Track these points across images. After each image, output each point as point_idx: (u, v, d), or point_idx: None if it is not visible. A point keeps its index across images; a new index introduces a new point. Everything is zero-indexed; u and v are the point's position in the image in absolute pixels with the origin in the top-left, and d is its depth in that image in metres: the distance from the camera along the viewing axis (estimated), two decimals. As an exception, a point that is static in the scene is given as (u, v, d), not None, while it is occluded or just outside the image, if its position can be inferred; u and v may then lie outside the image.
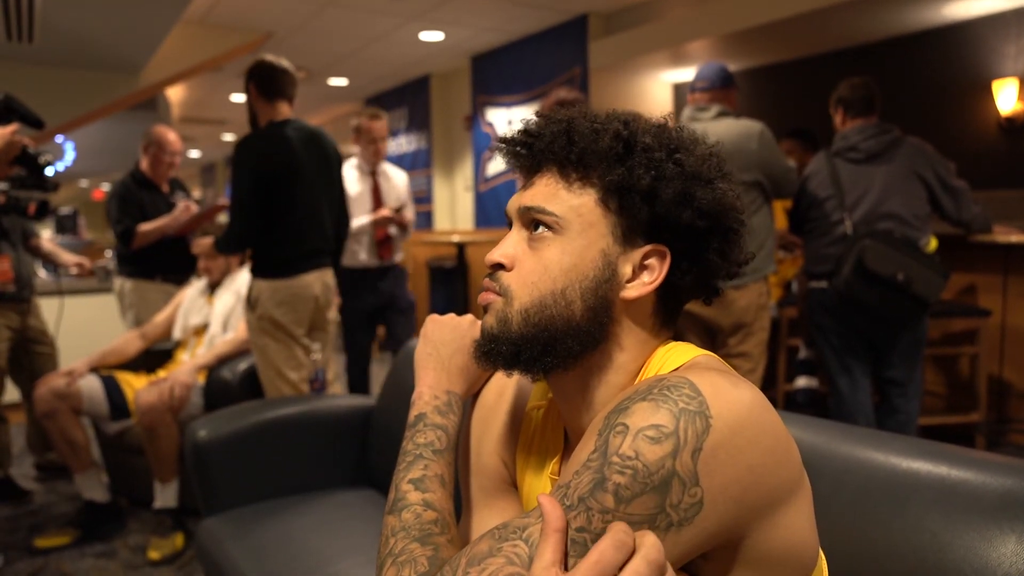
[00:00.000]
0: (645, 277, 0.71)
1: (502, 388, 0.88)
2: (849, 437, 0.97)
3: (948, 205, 2.55)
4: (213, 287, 2.89)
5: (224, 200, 3.00)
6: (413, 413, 0.84)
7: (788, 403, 3.57)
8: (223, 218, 3.12)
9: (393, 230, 3.44)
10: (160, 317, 2.95)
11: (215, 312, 2.81)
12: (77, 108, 4.63)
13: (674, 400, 0.58)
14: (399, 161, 7.04)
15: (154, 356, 2.93)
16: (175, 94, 7.15)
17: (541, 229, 0.71)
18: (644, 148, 0.70)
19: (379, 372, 5.40)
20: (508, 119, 5.85)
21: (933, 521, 0.81)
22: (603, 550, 0.51)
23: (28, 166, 2.15)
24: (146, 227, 3.16)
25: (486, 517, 0.84)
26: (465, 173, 6.70)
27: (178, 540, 2.43)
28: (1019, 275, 3.23)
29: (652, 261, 0.71)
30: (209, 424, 1.86)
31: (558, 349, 0.70)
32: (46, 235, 6.11)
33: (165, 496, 2.49)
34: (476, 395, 0.91)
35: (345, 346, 3.51)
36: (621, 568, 0.51)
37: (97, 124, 5.52)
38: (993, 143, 3.83)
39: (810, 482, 0.67)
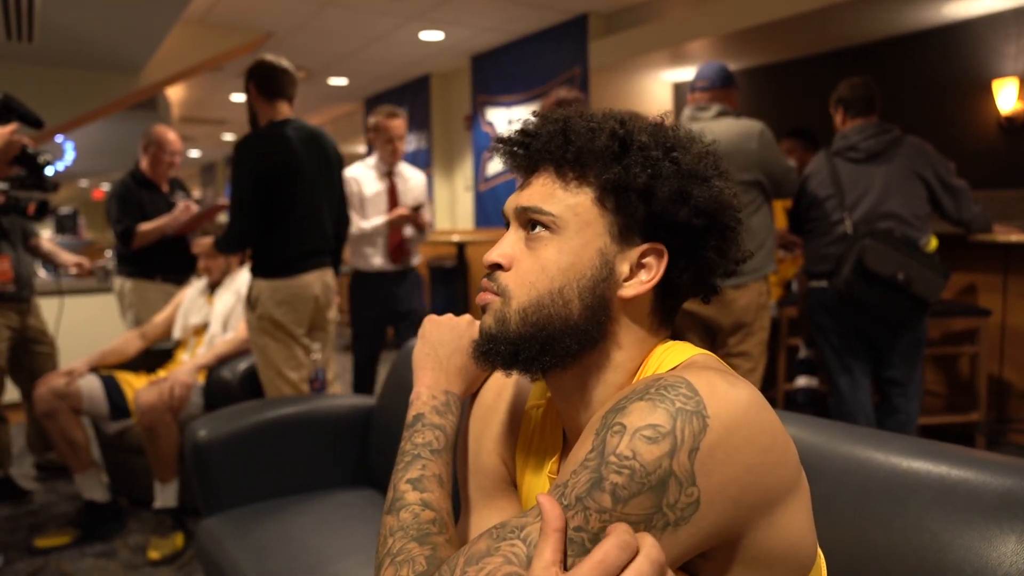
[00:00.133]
0: (643, 276, 0.71)
1: (501, 387, 0.88)
2: (849, 437, 0.97)
3: (948, 205, 2.55)
4: (213, 287, 2.89)
5: (224, 200, 3.00)
6: (411, 413, 0.84)
7: (788, 403, 3.57)
8: (223, 218, 3.12)
9: (409, 231, 3.32)
10: (160, 317, 2.95)
11: (215, 312, 2.81)
12: (77, 108, 4.63)
13: (671, 400, 0.58)
14: (399, 161, 7.03)
15: (154, 356, 2.93)
16: (175, 94, 7.15)
17: (538, 229, 0.71)
18: (640, 147, 0.70)
19: (380, 372, 5.40)
20: (508, 119, 5.84)
21: (933, 521, 0.81)
22: (607, 550, 0.51)
23: (27, 166, 2.15)
24: (146, 227, 3.16)
25: (485, 517, 0.84)
26: (465, 173, 6.70)
27: (178, 540, 2.43)
28: (1019, 275, 3.23)
29: (649, 260, 0.71)
30: (209, 424, 1.86)
31: (556, 348, 0.70)
32: (46, 235, 6.11)
33: (165, 496, 2.49)
34: (475, 395, 0.91)
35: (354, 350, 3.44)
36: (623, 568, 0.51)
37: (97, 124, 5.52)
38: (993, 143, 3.83)
39: (810, 482, 0.67)
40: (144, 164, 3.31)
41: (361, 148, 8.99)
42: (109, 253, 5.19)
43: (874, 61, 4.24)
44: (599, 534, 0.56)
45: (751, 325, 2.57)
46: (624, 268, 0.71)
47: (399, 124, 3.27)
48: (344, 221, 2.79)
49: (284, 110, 2.52)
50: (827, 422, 1.03)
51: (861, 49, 4.35)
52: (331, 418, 1.98)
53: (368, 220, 3.26)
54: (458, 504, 0.90)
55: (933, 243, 2.61)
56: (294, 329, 2.48)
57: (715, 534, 0.58)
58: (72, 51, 4.21)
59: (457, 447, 0.90)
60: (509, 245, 0.73)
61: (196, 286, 2.95)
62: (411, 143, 7.11)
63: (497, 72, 6.00)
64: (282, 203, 2.43)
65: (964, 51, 3.89)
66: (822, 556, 0.69)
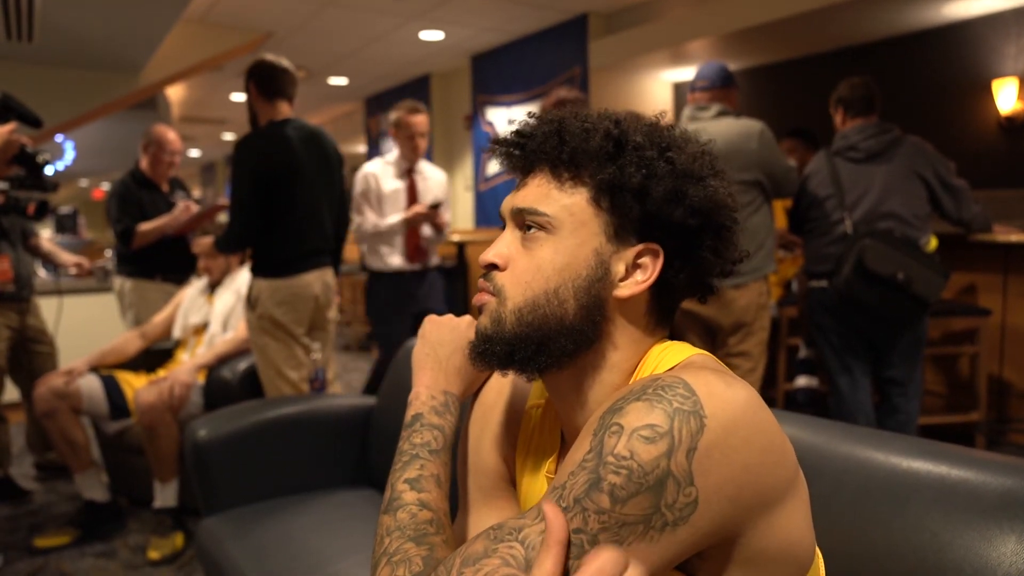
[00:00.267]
0: (638, 276, 0.71)
1: (501, 387, 0.89)
2: (849, 437, 0.97)
3: (948, 204, 2.55)
4: (213, 286, 2.89)
5: (224, 200, 2.99)
6: (410, 413, 0.83)
7: (788, 402, 3.57)
8: (223, 217, 3.12)
9: (428, 231, 3.23)
10: (160, 316, 2.95)
11: (215, 311, 2.81)
12: (77, 107, 4.63)
13: (668, 400, 0.58)
14: (399, 160, 7.03)
15: (154, 355, 2.93)
16: (175, 93, 7.15)
17: (534, 229, 0.72)
18: (635, 147, 0.70)
19: (379, 372, 5.41)
20: (508, 118, 5.84)
21: (933, 521, 0.81)
22: (602, 563, 0.51)
23: (26, 165, 2.14)
24: (146, 227, 3.16)
25: (484, 515, 0.85)
26: (465, 172, 6.70)
27: (178, 540, 2.43)
28: (1019, 275, 3.23)
29: (645, 260, 0.71)
30: (209, 424, 1.86)
31: (552, 348, 0.70)
32: (46, 234, 6.11)
33: (165, 495, 2.49)
34: (476, 394, 0.91)
35: (379, 349, 3.38)
36: None
37: (97, 123, 5.51)
38: (993, 143, 3.83)
39: (810, 482, 0.67)
40: (144, 164, 3.31)
41: (361, 148, 8.99)
42: (109, 253, 5.19)
43: (874, 61, 4.24)
44: (598, 535, 0.56)
45: (751, 325, 2.57)
46: (620, 268, 0.71)
47: (422, 120, 3.16)
48: (344, 221, 2.79)
49: (284, 110, 2.51)
50: (827, 422, 1.03)
51: (861, 49, 4.35)
52: (331, 418, 1.98)
53: (385, 218, 3.17)
54: (455, 503, 0.90)
55: (933, 243, 2.61)
56: (294, 329, 2.48)
57: (713, 533, 0.58)
58: (72, 51, 4.21)
59: (457, 446, 0.90)
60: (505, 245, 0.74)
61: (196, 286, 2.95)
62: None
63: (497, 72, 6.00)
64: (282, 203, 2.43)
65: (964, 51, 3.89)
66: (820, 557, 0.69)
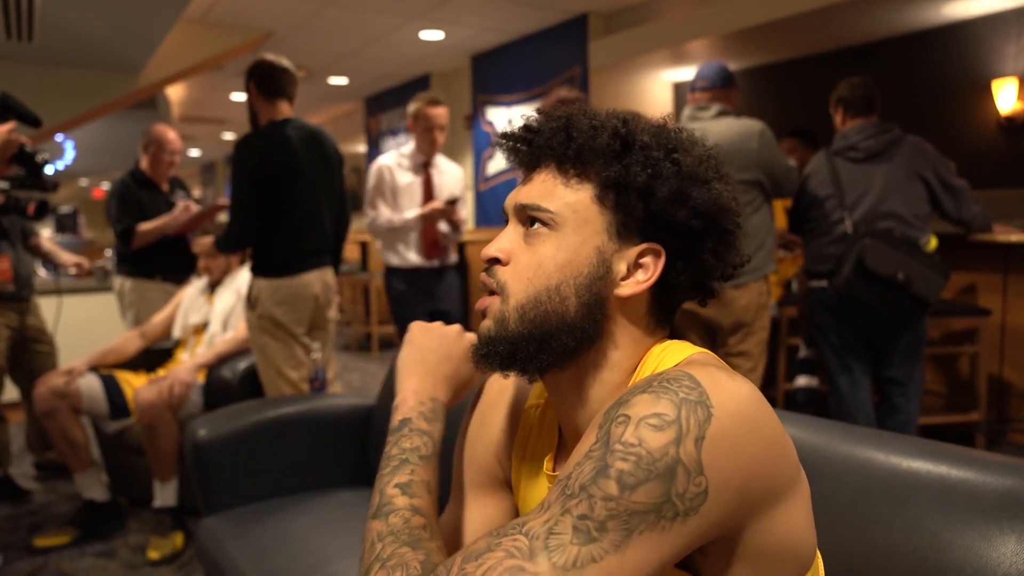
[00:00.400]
0: (639, 275, 0.71)
1: (503, 386, 0.89)
2: (849, 437, 0.97)
3: (948, 204, 2.55)
4: (213, 286, 2.89)
5: (224, 199, 2.99)
6: (397, 418, 0.82)
7: (788, 402, 3.57)
8: (223, 217, 3.11)
9: (444, 227, 3.14)
10: (160, 316, 2.95)
11: (215, 311, 2.81)
12: (77, 107, 4.63)
13: (674, 391, 0.58)
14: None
15: (154, 355, 2.93)
16: (175, 93, 7.15)
17: (536, 225, 0.72)
18: (642, 146, 0.70)
19: (379, 371, 5.41)
20: (508, 118, 5.84)
21: (933, 521, 0.81)
22: None
23: (26, 165, 2.14)
24: (146, 226, 3.16)
25: (472, 507, 0.86)
26: (465, 172, 6.70)
27: (178, 539, 2.43)
28: (1019, 274, 3.23)
29: (647, 260, 0.71)
30: (209, 423, 1.86)
31: (553, 346, 0.70)
32: (46, 234, 6.11)
33: (165, 495, 2.49)
34: (479, 391, 0.92)
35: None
36: None
37: (97, 123, 5.52)
38: (993, 143, 3.83)
39: (810, 482, 0.67)
40: (144, 163, 3.31)
41: (361, 148, 8.99)
42: (109, 252, 5.19)
43: (874, 61, 4.24)
44: (606, 522, 0.55)
45: (751, 325, 2.57)
46: (621, 267, 0.71)
47: (442, 112, 3.05)
48: (344, 221, 2.79)
49: (284, 109, 2.52)
50: (827, 422, 1.03)
51: (861, 49, 4.35)
52: (331, 418, 1.98)
53: (400, 212, 3.09)
54: (444, 500, 0.91)
55: (933, 243, 2.61)
56: (294, 328, 2.48)
57: (720, 524, 0.58)
58: (72, 51, 4.21)
59: (457, 438, 0.91)
60: (508, 240, 0.74)
61: (196, 285, 2.95)
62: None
63: (497, 72, 6.00)
64: (282, 203, 2.43)
65: (964, 51, 3.89)
66: (820, 557, 0.70)
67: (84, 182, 14.92)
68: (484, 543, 0.59)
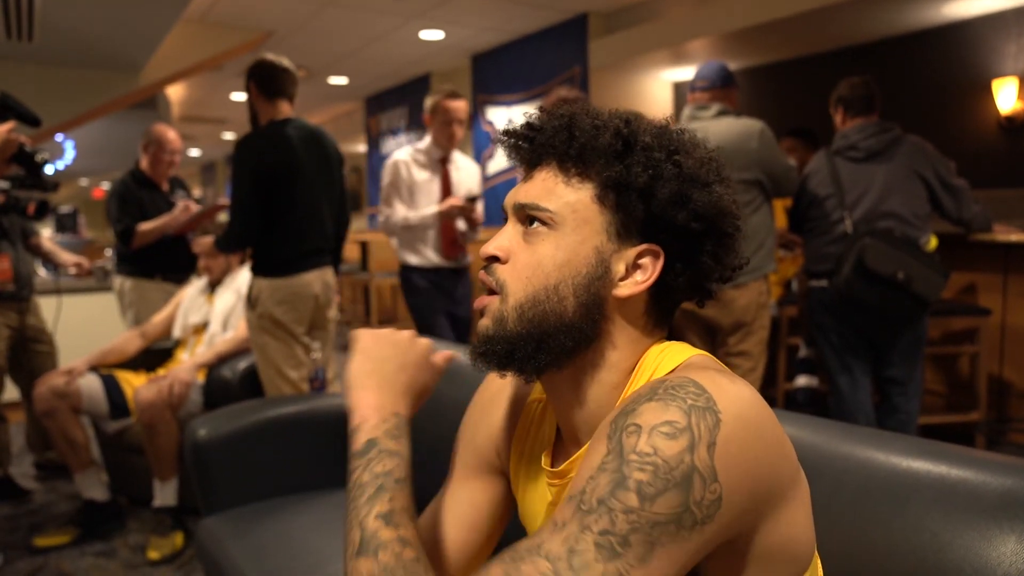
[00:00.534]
0: (638, 276, 0.71)
1: (506, 380, 0.89)
2: (849, 437, 0.97)
3: (948, 204, 2.55)
4: (213, 286, 2.89)
5: (224, 199, 2.99)
6: (360, 439, 0.72)
7: (788, 402, 3.57)
8: (223, 217, 3.11)
9: (462, 225, 3.06)
10: (160, 316, 2.95)
11: (215, 311, 2.80)
12: (77, 107, 4.63)
13: (682, 398, 0.58)
14: (399, 160, 7.03)
15: (154, 355, 2.93)
16: (175, 93, 7.15)
17: (536, 224, 0.72)
18: (644, 147, 0.70)
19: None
20: (508, 118, 5.84)
21: (933, 521, 0.81)
22: None
23: (25, 164, 2.15)
24: (146, 226, 3.16)
25: (460, 487, 0.87)
26: (465, 172, 6.69)
27: (178, 539, 2.43)
28: (1019, 274, 3.23)
29: (645, 260, 0.71)
30: (209, 423, 1.86)
31: (551, 346, 0.70)
32: (46, 233, 6.10)
33: (164, 494, 2.49)
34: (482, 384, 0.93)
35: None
36: None
37: (97, 123, 5.52)
38: (993, 142, 3.83)
39: (810, 482, 0.68)
40: (144, 163, 3.31)
41: (361, 147, 8.99)
42: (109, 252, 5.19)
43: (874, 61, 4.24)
44: (629, 536, 0.54)
45: (751, 324, 2.57)
46: (620, 267, 0.71)
47: (461, 106, 2.94)
48: (344, 221, 2.79)
49: (285, 109, 2.51)
50: (827, 422, 1.03)
51: (861, 49, 4.35)
52: (331, 417, 1.98)
53: (416, 210, 3.01)
54: (434, 492, 0.92)
55: (933, 242, 2.61)
56: (294, 328, 2.48)
57: (730, 528, 0.58)
58: (72, 50, 4.21)
59: (459, 424, 0.92)
60: (507, 239, 0.74)
61: (196, 285, 2.95)
62: (411, 142, 7.10)
63: (497, 72, 6.00)
64: (282, 202, 2.43)
65: (964, 51, 3.89)
66: (818, 557, 0.70)
67: (84, 182, 14.92)
68: (500, 570, 0.56)
